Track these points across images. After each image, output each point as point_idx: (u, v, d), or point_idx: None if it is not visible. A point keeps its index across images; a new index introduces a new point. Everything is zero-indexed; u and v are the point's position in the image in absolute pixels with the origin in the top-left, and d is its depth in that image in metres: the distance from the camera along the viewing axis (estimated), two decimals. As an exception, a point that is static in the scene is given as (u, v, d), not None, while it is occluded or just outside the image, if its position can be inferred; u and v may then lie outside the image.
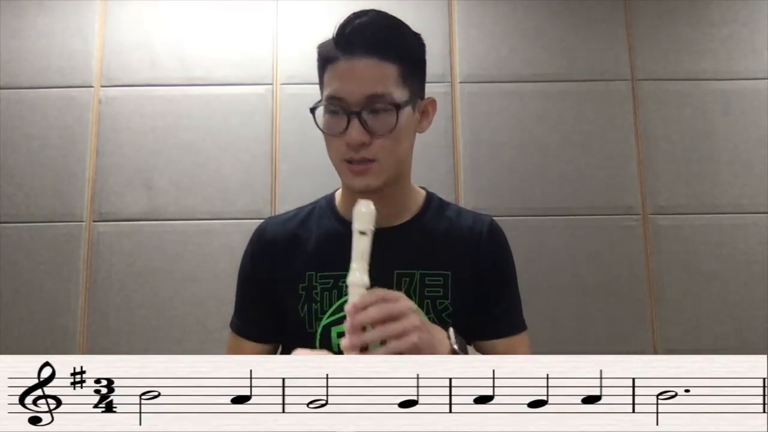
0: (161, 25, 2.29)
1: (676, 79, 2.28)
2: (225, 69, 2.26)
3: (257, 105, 2.23)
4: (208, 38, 2.28)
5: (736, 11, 2.33)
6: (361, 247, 0.80)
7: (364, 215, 0.82)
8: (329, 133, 0.90)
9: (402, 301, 0.78)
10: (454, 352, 0.81)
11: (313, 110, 0.92)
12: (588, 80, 2.28)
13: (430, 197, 1.05)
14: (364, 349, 0.76)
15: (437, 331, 0.82)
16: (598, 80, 2.28)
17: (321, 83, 0.93)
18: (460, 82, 2.26)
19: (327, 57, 0.91)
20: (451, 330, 0.84)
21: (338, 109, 0.89)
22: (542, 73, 2.28)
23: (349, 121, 0.87)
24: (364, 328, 0.76)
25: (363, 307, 0.76)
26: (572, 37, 2.31)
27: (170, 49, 2.27)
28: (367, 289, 0.79)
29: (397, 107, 0.88)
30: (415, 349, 0.76)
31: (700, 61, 2.30)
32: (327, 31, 0.96)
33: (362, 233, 0.81)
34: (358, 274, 0.79)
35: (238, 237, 2.08)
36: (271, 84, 2.24)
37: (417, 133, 0.97)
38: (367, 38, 0.88)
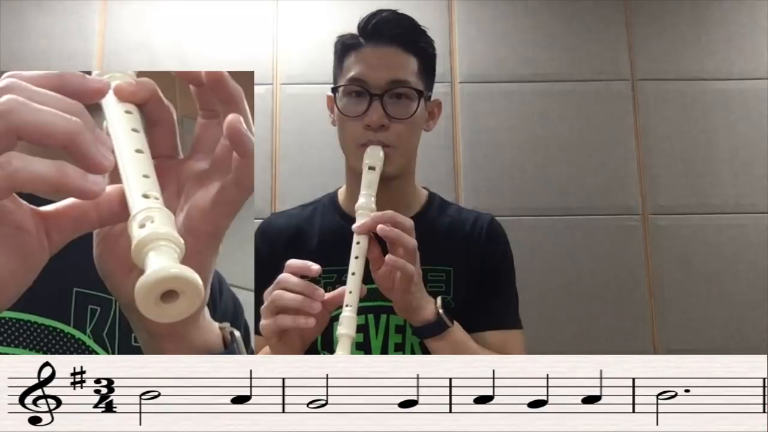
0: (161, 25, 2.29)
1: (676, 79, 2.28)
2: (225, 69, 2.25)
3: (257, 105, 2.23)
4: (208, 38, 2.28)
5: (736, 11, 2.33)
6: (369, 179, 0.89)
7: (374, 152, 0.91)
8: (348, 115, 0.94)
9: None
10: (438, 316, 0.86)
11: (335, 90, 0.97)
12: (588, 80, 2.28)
13: (432, 196, 1.08)
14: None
15: (426, 294, 0.87)
16: (598, 80, 2.28)
17: (340, 69, 0.97)
18: (460, 82, 2.26)
19: (350, 44, 0.96)
20: (439, 299, 0.88)
21: (360, 91, 0.93)
22: (542, 73, 2.28)
23: (370, 104, 0.92)
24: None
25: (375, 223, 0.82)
26: (572, 37, 2.30)
27: (170, 48, 2.27)
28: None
29: (419, 94, 0.94)
30: (405, 285, 0.81)
31: (700, 61, 2.30)
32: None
33: (371, 168, 0.89)
34: (366, 199, 0.86)
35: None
36: (271, 84, 2.24)
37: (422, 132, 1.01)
38: (392, 29, 0.95)
